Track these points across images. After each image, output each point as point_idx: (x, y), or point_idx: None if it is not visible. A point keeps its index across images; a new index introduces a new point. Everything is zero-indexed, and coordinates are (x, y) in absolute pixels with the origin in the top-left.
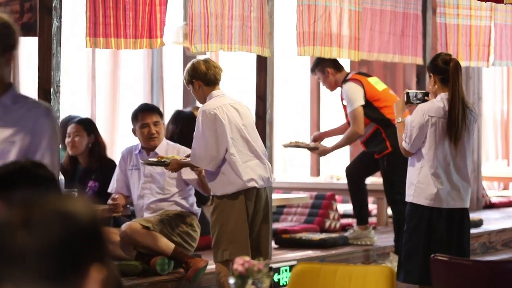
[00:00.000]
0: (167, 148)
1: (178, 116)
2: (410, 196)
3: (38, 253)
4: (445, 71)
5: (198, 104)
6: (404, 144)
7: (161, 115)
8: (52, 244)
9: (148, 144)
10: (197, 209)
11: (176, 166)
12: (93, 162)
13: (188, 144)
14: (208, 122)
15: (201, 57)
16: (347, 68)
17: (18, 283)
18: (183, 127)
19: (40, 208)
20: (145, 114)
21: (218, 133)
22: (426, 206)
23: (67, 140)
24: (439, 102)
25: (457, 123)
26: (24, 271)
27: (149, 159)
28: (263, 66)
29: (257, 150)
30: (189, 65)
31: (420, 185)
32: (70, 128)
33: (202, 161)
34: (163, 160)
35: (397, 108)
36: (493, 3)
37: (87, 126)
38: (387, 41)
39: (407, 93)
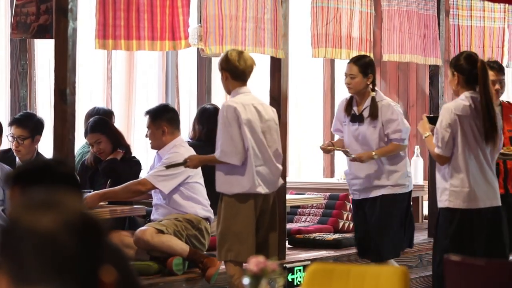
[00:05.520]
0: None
1: (203, 115)
2: (445, 201)
3: (70, 256)
4: (470, 72)
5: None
6: (437, 150)
7: (153, 118)
8: (81, 247)
9: None
10: (207, 213)
11: (196, 161)
12: (124, 153)
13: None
14: (232, 116)
15: (236, 49)
16: None
17: (41, 286)
18: (209, 125)
19: (67, 211)
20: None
21: (242, 128)
22: (464, 209)
23: (93, 149)
24: (464, 100)
25: (494, 122)
26: (64, 275)
27: (169, 164)
28: (277, 67)
29: (270, 156)
30: (223, 53)
31: (454, 188)
32: (89, 139)
33: (231, 156)
34: (178, 163)
35: (422, 127)
36: (507, 5)
37: (102, 129)
38: (411, 42)
39: (428, 117)
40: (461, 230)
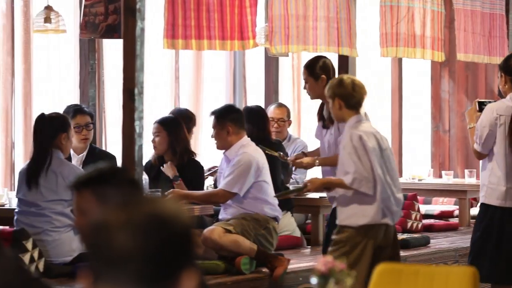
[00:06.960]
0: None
1: (251, 114)
2: (482, 197)
3: (137, 256)
4: None
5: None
6: (476, 146)
7: (218, 118)
8: (150, 248)
9: None
10: (275, 212)
11: (318, 185)
12: (176, 161)
13: (267, 141)
14: (359, 144)
15: (348, 75)
16: (428, 69)
17: (115, 284)
18: (259, 124)
19: (138, 211)
20: None
21: (369, 156)
22: (498, 207)
23: (151, 140)
24: (508, 101)
25: None
26: (123, 272)
27: (283, 192)
28: (344, 67)
29: (391, 185)
30: (335, 79)
31: (491, 185)
32: (152, 128)
33: (364, 184)
34: (297, 188)
35: (469, 115)
36: None
37: (167, 125)
38: (478, 42)
39: (479, 102)
40: (491, 226)
